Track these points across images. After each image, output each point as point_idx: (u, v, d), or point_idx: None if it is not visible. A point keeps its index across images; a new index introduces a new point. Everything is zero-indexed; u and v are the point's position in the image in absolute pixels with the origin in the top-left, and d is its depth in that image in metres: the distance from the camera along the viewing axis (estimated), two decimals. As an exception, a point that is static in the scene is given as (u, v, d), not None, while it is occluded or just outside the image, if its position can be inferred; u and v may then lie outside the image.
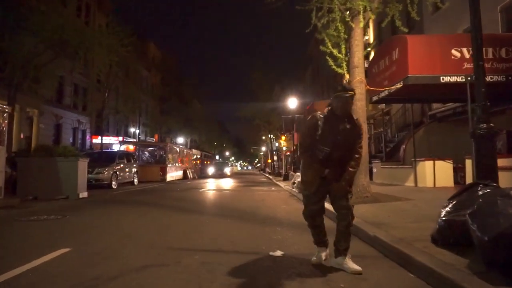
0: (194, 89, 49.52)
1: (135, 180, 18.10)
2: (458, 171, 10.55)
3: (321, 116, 3.24)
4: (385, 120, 17.73)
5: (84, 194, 10.98)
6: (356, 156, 3.26)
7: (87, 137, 28.34)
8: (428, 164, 10.49)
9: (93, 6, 29.14)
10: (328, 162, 3.22)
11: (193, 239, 4.75)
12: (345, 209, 3.27)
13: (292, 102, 20.92)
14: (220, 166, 39.75)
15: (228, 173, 38.43)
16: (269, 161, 44.15)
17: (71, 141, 25.92)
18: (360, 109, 7.70)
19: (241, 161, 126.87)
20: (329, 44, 8.26)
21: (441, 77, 7.61)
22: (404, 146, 13.66)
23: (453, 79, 7.55)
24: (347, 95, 3.16)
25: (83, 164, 11.09)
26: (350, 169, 3.22)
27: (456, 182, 10.46)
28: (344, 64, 8.18)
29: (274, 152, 40.98)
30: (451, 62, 7.67)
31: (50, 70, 14.11)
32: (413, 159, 11.10)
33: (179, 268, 3.34)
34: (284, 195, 12.45)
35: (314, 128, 3.22)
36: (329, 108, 3.25)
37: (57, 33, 12.72)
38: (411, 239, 3.86)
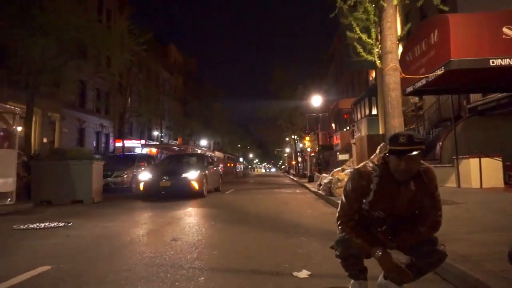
0: (215, 91, 49.32)
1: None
2: (507, 170, 9.34)
3: (374, 174, 2.19)
4: (418, 116, 16.47)
5: (99, 198, 10.54)
6: (430, 222, 2.23)
7: (110, 140, 28.41)
8: (473, 162, 9.32)
9: (114, 11, 29.27)
10: (380, 227, 2.31)
11: (200, 253, 4.02)
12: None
13: (316, 100, 19.98)
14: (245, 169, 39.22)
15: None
16: (294, 162, 43.17)
17: (94, 145, 26.02)
18: (394, 100, 6.76)
19: (265, 163, 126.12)
20: (357, 29, 7.35)
21: (491, 60, 6.54)
22: (440, 143, 12.46)
23: (506, 62, 6.48)
24: (416, 152, 2.03)
25: (98, 167, 10.64)
26: (420, 233, 2.23)
27: (505, 182, 9.25)
28: (374, 51, 7.25)
29: (299, 153, 39.99)
30: (502, 43, 6.58)
31: (66, 73, 13.86)
32: (454, 157, 9.95)
33: (174, 297, 2.61)
34: (309, 197, 11.58)
35: (362, 192, 2.22)
36: (383, 161, 2.21)
37: (68, 32, 12.41)
38: (478, 257, 2.96)
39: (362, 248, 2.21)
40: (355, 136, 22.62)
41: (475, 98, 13.06)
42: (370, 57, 7.39)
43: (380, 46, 6.98)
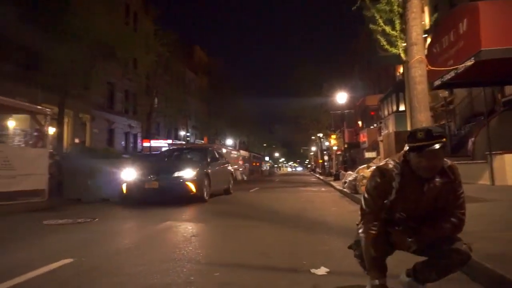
0: (240, 91, 49.52)
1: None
2: (546, 166, 8.78)
3: (396, 172, 2.07)
4: (448, 111, 15.83)
5: (126, 197, 10.78)
6: (454, 220, 2.08)
7: (138, 140, 29.14)
8: (509, 158, 8.82)
9: (140, 14, 29.97)
10: (400, 227, 2.17)
11: (217, 249, 4.01)
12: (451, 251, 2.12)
13: (341, 97, 19.62)
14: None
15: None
16: (320, 161, 42.68)
17: (123, 144, 26.76)
18: (420, 94, 6.49)
19: (291, 162, 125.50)
20: (380, 21, 7.14)
21: (526, 49, 6.18)
22: (473, 139, 11.90)
23: (542, 50, 6.09)
24: (438, 146, 1.91)
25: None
26: (442, 228, 2.10)
27: (544, 179, 8.71)
28: (399, 43, 7.01)
29: (325, 152, 39.48)
30: (538, 30, 6.20)
31: (94, 75, 14.32)
32: (487, 153, 9.46)
33: (189, 292, 2.60)
34: (334, 195, 11.39)
35: (384, 191, 2.11)
36: (403, 159, 2.09)
37: (96, 35, 12.82)
38: (510, 257, 2.77)
39: (368, 257, 2.13)
40: (382, 133, 22.06)
41: (511, 90, 12.38)
42: (394, 50, 7.16)
43: (404, 38, 6.73)
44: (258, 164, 42.91)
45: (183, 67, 41.02)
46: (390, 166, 2.11)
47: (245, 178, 29.67)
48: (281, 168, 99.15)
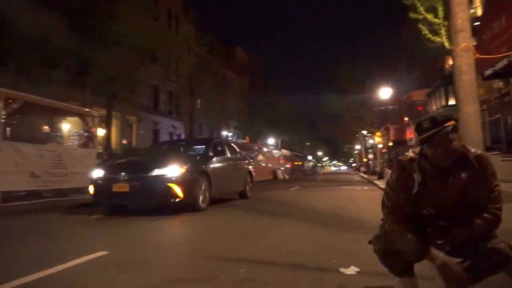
0: (282, 90, 49.41)
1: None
2: None
3: (416, 164, 1.94)
4: (503, 103, 14.57)
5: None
6: (487, 216, 1.88)
7: (182, 141, 30.05)
8: None
9: (181, 18, 30.87)
10: (431, 225, 1.99)
11: (245, 246, 3.98)
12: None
13: (385, 92, 18.86)
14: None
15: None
16: (365, 160, 41.41)
17: (167, 145, 27.72)
18: (467, 84, 6.05)
19: (335, 161, 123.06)
20: (421, 9, 6.73)
21: None
22: (532, 133, 10.88)
23: None
24: (445, 131, 1.78)
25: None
26: (474, 226, 1.89)
27: None
28: (442, 31, 6.57)
29: (369, 150, 38.25)
30: None
31: (138, 78, 14.95)
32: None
33: (211, 286, 2.59)
34: (377, 194, 10.96)
35: (406, 184, 1.96)
36: (420, 152, 1.96)
37: (139, 40, 13.37)
38: None
39: (409, 249, 1.92)
40: (430, 129, 20.84)
41: None
42: (438, 39, 6.72)
43: (448, 25, 6.29)
44: (300, 163, 42.51)
45: (224, 67, 41.68)
46: (411, 157, 1.98)
47: (286, 177, 29.53)
48: (325, 167, 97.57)
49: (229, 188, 8.65)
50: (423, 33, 6.80)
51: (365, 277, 2.74)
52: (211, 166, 7.49)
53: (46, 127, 8.93)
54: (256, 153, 22.24)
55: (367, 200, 9.29)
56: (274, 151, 30.64)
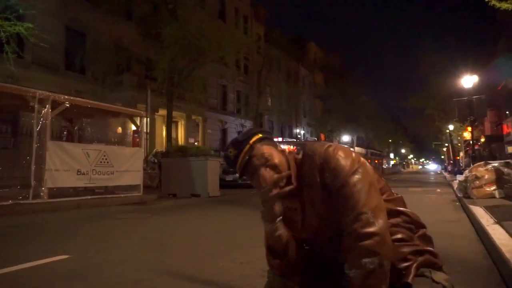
0: (359, 84, 46.84)
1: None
2: None
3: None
4: None
5: (215, 193, 11.06)
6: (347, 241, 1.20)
7: (250, 139, 30.23)
8: None
9: (250, 17, 31.06)
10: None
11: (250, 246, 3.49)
12: None
13: (468, 81, 16.36)
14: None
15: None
16: (457, 157, 37.05)
17: (236, 144, 28.14)
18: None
19: (423, 159, 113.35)
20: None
21: None
22: None
23: None
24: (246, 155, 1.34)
25: (213, 164, 11.20)
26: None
27: None
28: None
29: (460, 145, 34.05)
30: None
31: (196, 77, 15.22)
32: None
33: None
34: (444, 199, 9.48)
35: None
36: None
37: (193, 40, 13.58)
38: None
39: None
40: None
41: None
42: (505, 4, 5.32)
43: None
44: (378, 161, 39.85)
45: (296, 64, 41.00)
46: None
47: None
48: (409, 166, 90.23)
49: None
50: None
51: None
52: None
53: (90, 128, 9.45)
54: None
55: (428, 205, 7.98)
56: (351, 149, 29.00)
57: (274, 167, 1.31)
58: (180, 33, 13.71)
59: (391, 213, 1.32)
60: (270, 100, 33.57)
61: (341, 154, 1.29)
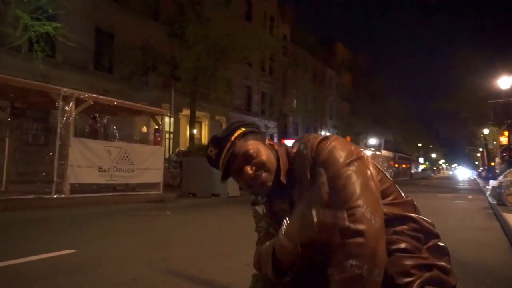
0: (388, 86, 45.61)
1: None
2: None
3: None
4: None
5: (235, 193, 10.92)
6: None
7: (275, 140, 30.03)
8: None
9: (276, 18, 30.90)
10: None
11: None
12: None
13: (505, 82, 15.47)
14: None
15: None
16: (492, 163, 35.30)
17: (259, 144, 28.01)
18: None
19: (455, 164, 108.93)
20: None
21: None
22: None
23: None
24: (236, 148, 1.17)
25: (233, 164, 11.11)
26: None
27: None
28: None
29: (496, 150, 32.39)
30: None
31: (220, 77, 15.22)
32: None
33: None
34: (475, 206, 8.95)
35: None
36: None
37: (210, 37, 13.57)
38: None
39: None
40: None
41: None
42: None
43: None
44: (406, 165, 38.58)
45: (323, 65, 40.43)
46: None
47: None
48: (440, 171, 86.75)
49: None
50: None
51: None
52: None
53: (113, 126, 9.55)
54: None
55: (455, 213, 7.53)
56: (377, 153, 28.26)
57: (261, 165, 1.15)
58: (204, 32, 13.74)
59: (397, 219, 1.12)
60: (295, 102, 33.22)
61: (336, 145, 1.11)
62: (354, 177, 1.02)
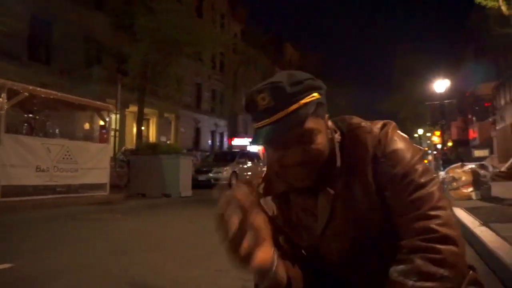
0: (338, 86, 47.26)
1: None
2: None
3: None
4: None
5: (187, 193, 10.54)
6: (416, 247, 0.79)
7: (225, 139, 29.79)
8: None
9: (227, 16, 30.63)
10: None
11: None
12: None
13: (440, 85, 16.72)
14: None
15: None
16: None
17: (209, 143, 27.59)
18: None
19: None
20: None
21: None
22: None
23: None
24: (302, 113, 0.83)
25: (185, 162, 10.71)
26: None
27: None
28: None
29: (429, 151, 35.09)
30: None
31: (170, 73, 14.66)
32: None
33: None
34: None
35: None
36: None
37: (162, 32, 13.04)
38: None
39: None
40: (497, 128, 18.28)
41: None
42: (491, 3, 5.23)
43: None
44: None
45: (272, 65, 40.94)
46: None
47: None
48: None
49: None
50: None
51: None
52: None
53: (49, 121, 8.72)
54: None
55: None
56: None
57: (315, 156, 0.85)
58: (155, 25, 13.11)
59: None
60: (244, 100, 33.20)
61: (399, 137, 0.91)
62: (428, 175, 0.86)
